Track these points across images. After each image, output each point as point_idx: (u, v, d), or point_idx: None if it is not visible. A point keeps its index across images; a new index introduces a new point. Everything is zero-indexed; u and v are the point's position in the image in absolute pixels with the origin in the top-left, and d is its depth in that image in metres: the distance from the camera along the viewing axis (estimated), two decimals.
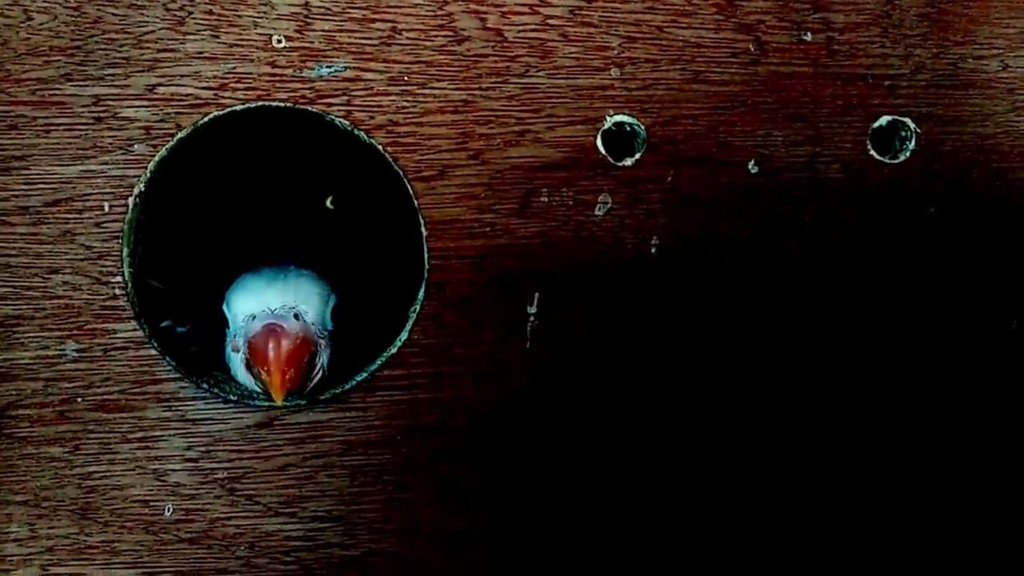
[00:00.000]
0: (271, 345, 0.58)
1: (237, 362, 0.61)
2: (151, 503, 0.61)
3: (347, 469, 0.62)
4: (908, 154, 0.63)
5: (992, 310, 0.64)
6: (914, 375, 0.64)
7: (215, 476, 0.61)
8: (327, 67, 0.59)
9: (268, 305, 0.60)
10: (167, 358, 0.60)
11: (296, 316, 0.59)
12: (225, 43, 0.58)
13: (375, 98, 0.59)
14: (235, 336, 0.61)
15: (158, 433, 0.60)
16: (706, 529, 0.64)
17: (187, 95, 0.58)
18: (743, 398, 0.63)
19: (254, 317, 0.60)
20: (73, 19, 0.58)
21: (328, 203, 0.76)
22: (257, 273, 0.63)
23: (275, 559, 0.62)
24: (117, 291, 0.59)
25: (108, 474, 0.61)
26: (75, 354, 0.60)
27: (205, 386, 0.60)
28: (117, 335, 0.59)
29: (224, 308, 0.62)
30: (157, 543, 0.61)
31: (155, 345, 0.60)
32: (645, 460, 0.63)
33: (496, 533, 0.63)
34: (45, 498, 0.60)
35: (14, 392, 0.60)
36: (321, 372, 0.61)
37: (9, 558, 0.61)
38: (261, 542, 0.62)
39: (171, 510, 0.61)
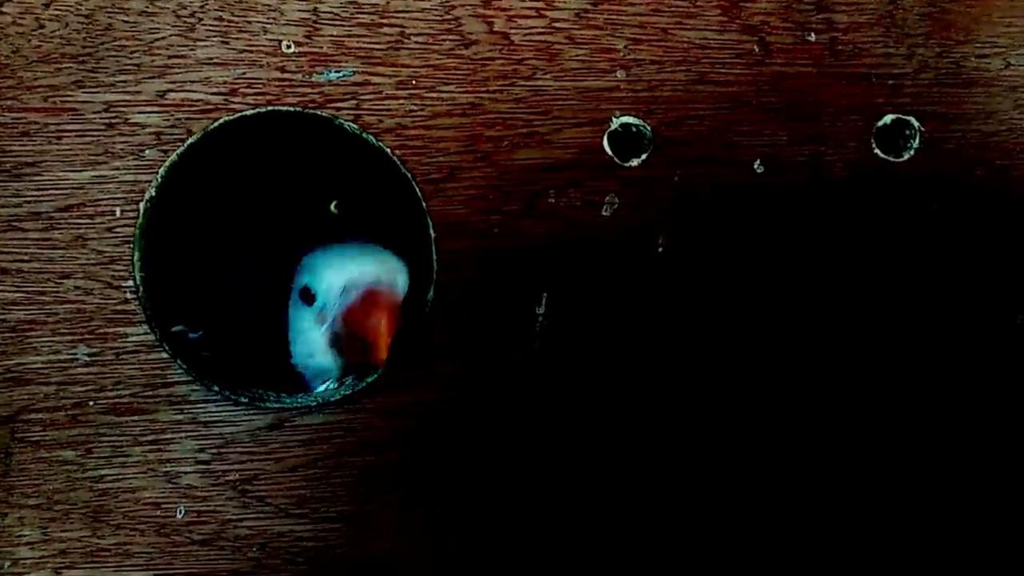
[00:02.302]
0: (375, 314, 0.58)
1: (316, 337, 0.61)
2: (163, 505, 0.61)
3: (357, 470, 0.62)
4: (912, 152, 0.63)
5: (997, 305, 0.65)
6: (921, 370, 0.65)
7: (227, 478, 0.61)
8: (336, 72, 0.59)
9: (364, 276, 0.59)
10: (178, 361, 0.60)
11: (391, 287, 0.59)
12: (235, 49, 0.59)
13: (384, 102, 0.60)
14: (323, 309, 0.60)
15: (170, 436, 0.61)
16: (716, 531, 0.64)
17: (197, 100, 0.59)
18: (751, 396, 0.64)
19: (345, 289, 0.59)
20: (84, 27, 0.58)
21: (333, 208, 0.76)
22: (343, 246, 0.62)
23: (286, 560, 0.62)
24: (128, 295, 0.60)
25: (120, 477, 0.61)
26: (87, 358, 0.60)
27: (216, 388, 0.61)
28: (128, 339, 0.60)
29: (307, 281, 0.61)
30: (169, 545, 0.62)
31: (166, 348, 0.60)
32: (654, 459, 0.64)
33: (506, 533, 0.63)
34: (57, 501, 0.61)
35: (26, 396, 0.60)
36: None
37: (22, 562, 0.61)
38: (272, 543, 0.62)
39: (183, 512, 0.62)
